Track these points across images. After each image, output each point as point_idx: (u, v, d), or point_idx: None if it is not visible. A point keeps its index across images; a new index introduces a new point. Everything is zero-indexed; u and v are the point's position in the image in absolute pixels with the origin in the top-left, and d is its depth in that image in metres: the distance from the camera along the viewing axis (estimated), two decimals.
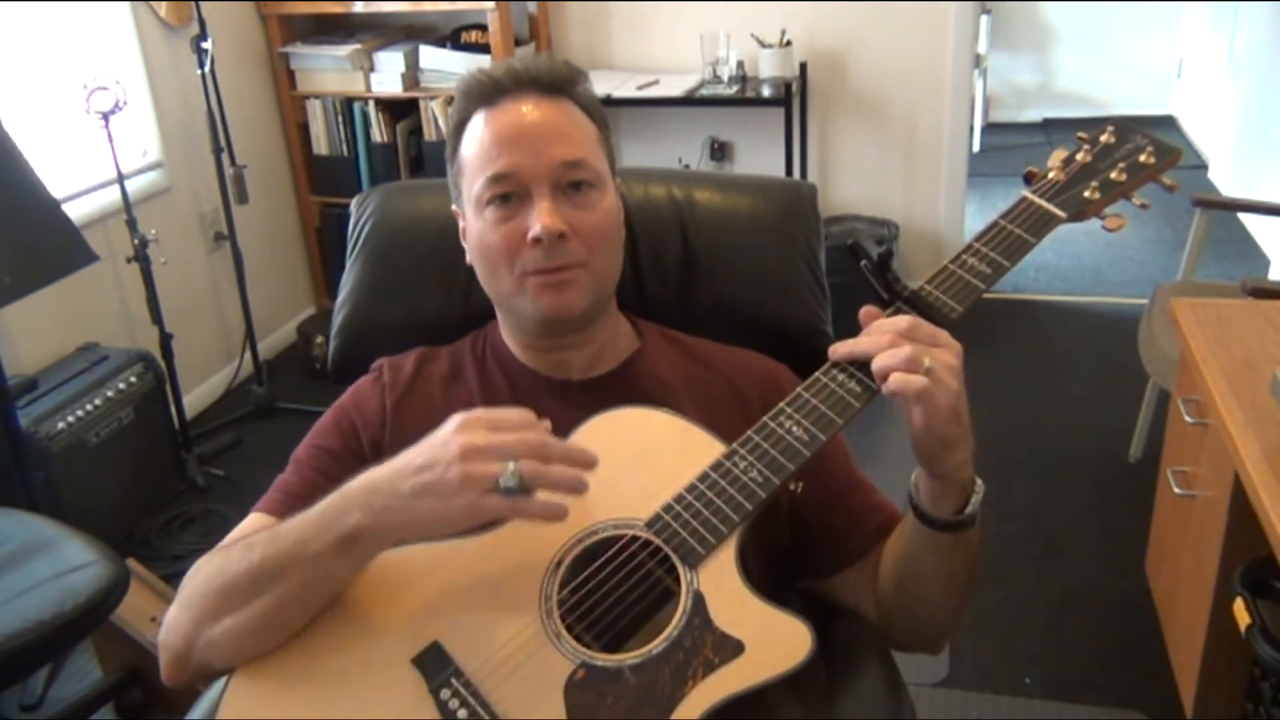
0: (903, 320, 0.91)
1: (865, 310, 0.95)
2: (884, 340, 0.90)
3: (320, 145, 3.61)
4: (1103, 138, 1.09)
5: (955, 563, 0.99)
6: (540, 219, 1.02)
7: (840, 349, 0.95)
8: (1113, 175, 1.04)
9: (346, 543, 0.87)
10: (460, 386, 1.13)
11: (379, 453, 1.08)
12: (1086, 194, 1.03)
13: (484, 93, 1.08)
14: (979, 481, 0.96)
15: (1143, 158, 1.06)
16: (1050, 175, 1.06)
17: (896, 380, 0.87)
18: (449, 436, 0.85)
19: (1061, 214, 1.02)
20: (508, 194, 1.04)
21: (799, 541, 1.11)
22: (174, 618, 0.94)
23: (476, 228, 1.08)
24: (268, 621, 0.89)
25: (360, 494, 0.88)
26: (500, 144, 1.05)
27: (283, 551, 0.89)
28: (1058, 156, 1.07)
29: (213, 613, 0.91)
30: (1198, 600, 1.73)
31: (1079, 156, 1.07)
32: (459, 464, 0.83)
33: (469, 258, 1.13)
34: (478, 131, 1.07)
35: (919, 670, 2.00)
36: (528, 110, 1.07)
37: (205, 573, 0.94)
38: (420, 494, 0.85)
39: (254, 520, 1.05)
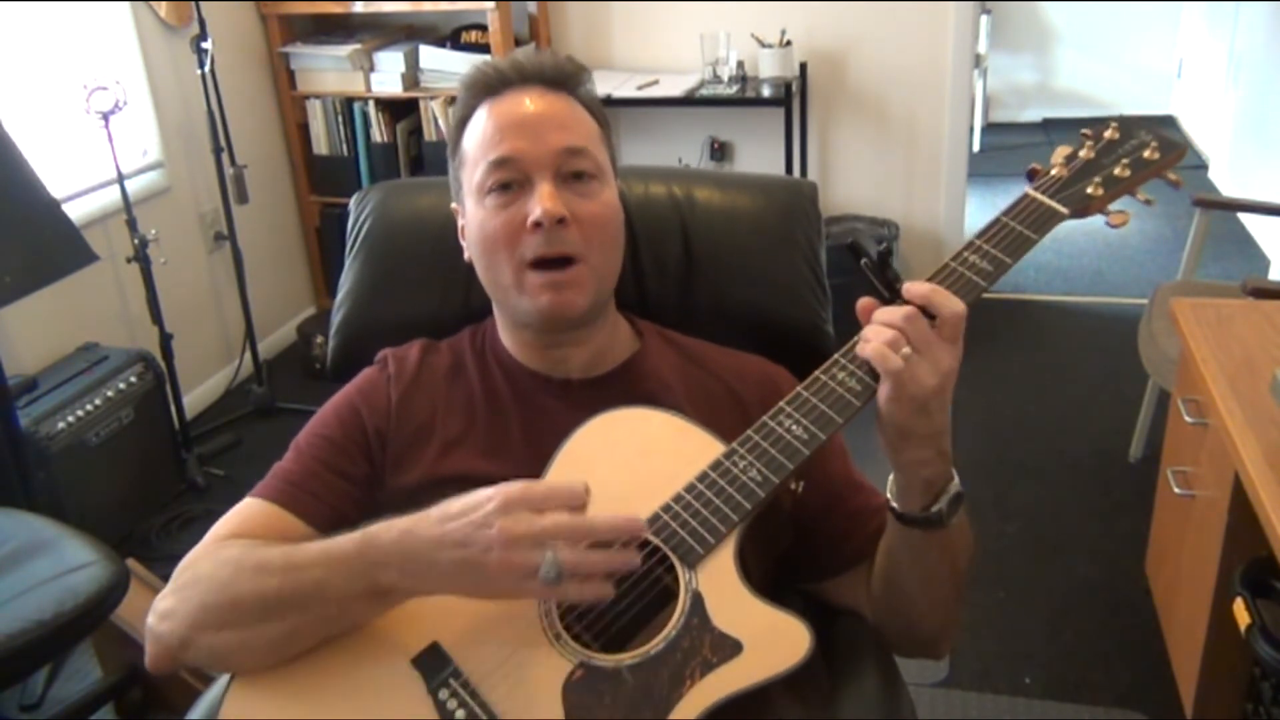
0: (899, 311, 0.90)
1: (863, 302, 0.94)
2: (887, 334, 0.89)
3: (320, 145, 3.61)
4: (1106, 134, 1.07)
5: (932, 561, 0.99)
6: (541, 202, 1.02)
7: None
8: (1116, 171, 1.03)
9: (376, 597, 0.89)
10: (461, 383, 1.13)
11: (384, 443, 1.08)
12: (1090, 190, 1.02)
13: (488, 85, 1.09)
14: (955, 480, 0.95)
15: (1147, 153, 1.04)
16: (1053, 172, 1.04)
17: (873, 349, 0.88)
18: (490, 516, 0.84)
19: (1064, 210, 1.00)
20: (508, 182, 1.05)
21: (799, 544, 1.10)
22: (168, 609, 0.93)
23: (477, 217, 1.08)
24: (276, 645, 0.90)
25: (394, 552, 0.87)
26: (502, 131, 1.05)
27: (302, 588, 0.89)
28: (1061, 153, 1.06)
29: (215, 624, 0.90)
30: (1198, 600, 1.73)
31: (1082, 153, 1.06)
32: (499, 550, 0.83)
33: (467, 253, 1.13)
34: (480, 123, 1.08)
35: (919, 670, 1.99)
36: (531, 101, 1.07)
37: (208, 578, 0.93)
38: (459, 569, 0.85)
39: (252, 508, 1.04)
